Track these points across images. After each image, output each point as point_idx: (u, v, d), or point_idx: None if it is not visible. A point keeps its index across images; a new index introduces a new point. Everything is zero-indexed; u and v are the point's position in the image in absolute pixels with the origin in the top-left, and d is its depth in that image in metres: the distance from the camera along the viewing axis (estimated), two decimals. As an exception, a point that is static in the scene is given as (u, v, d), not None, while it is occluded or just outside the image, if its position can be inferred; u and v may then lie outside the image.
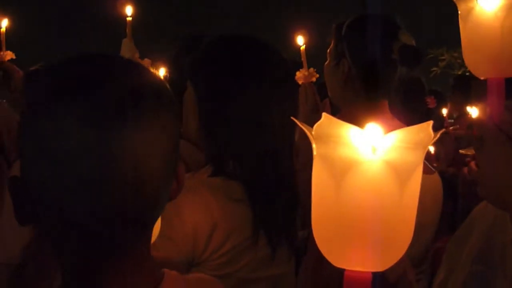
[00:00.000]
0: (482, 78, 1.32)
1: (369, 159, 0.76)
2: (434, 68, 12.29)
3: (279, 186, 1.77)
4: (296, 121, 0.81)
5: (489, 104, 1.30)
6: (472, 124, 3.34)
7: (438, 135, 0.78)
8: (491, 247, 1.48)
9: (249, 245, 1.72)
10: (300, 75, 2.72)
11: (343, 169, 0.76)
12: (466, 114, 4.19)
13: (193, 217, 1.66)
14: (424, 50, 2.23)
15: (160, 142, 0.96)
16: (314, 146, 0.80)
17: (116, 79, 0.95)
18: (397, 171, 0.76)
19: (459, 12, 1.34)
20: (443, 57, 12.50)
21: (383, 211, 0.77)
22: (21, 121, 0.96)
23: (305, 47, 2.82)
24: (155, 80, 0.99)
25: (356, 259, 0.79)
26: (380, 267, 0.80)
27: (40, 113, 0.92)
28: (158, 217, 1.04)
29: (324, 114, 0.76)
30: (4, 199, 2.46)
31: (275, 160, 1.76)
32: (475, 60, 1.34)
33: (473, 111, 3.80)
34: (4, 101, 3.29)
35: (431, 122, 0.76)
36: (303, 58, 2.78)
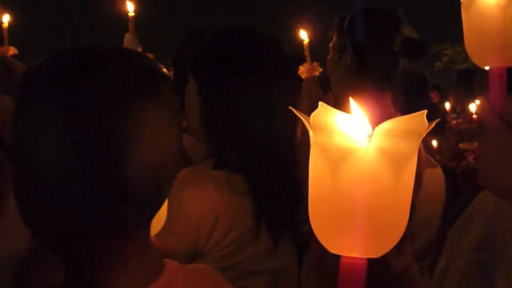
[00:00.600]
0: (484, 67, 1.33)
1: (364, 147, 0.77)
2: (437, 63, 12.27)
3: (281, 179, 1.78)
4: (293, 110, 0.83)
5: (491, 93, 1.30)
6: (475, 114, 3.35)
7: (433, 124, 0.80)
8: (492, 236, 1.49)
9: (251, 237, 1.74)
10: (303, 69, 2.73)
11: (339, 157, 0.78)
12: (468, 108, 4.19)
13: (196, 210, 1.67)
14: (426, 42, 2.22)
15: (171, 123, 0.98)
16: (311, 134, 0.81)
17: (121, 60, 0.98)
18: (392, 159, 0.78)
19: (461, 1, 1.35)
20: (446, 52, 12.47)
21: (378, 198, 0.78)
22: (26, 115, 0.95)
23: (308, 42, 2.83)
24: (156, 65, 1.01)
25: (352, 245, 0.80)
26: (375, 253, 0.82)
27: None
28: (163, 204, 1.05)
29: (320, 103, 0.77)
30: (8, 194, 2.47)
31: (278, 153, 1.77)
32: (477, 49, 1.34)
33: (475, 105, 3.81)
34: (7, 97, 3.30)
35: (425, 111, 0.77)
36: (306, 52, 2.79)
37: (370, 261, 0.83)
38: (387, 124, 0.77)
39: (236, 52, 1.80)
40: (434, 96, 4.19)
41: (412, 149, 0.80)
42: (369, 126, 0.77)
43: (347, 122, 0.77)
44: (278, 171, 1.77)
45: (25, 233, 2.40)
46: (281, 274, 1.84)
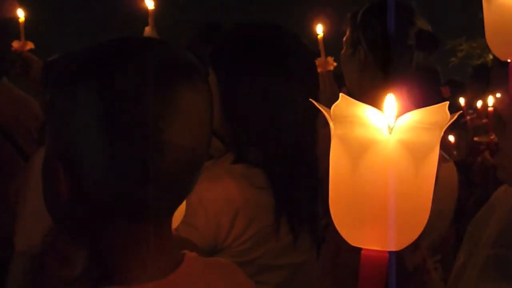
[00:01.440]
0: (504, 59, 1.31)
1: (385, 138, 0.77)
2: (452, 59, 12.21)
3: (302, 173, 1.77)
4: (314, 102, 0.83)
5: (510, 86, 1.29)
6: (491, 107, 3.33)
7: (455, 117, 0.79)
8: (511, 231, 1.48)
9: (271, 232, 1.73)
10: (317, 64, 2.72)
11: (359, 149, 0.77)
12: (485, 103, 4.16)
13: (215, 205, 1.67)
14: (441, 35, 2.21)
15: (204, 112, 1.01)
16: (331, 126, 0.81)
17: (159, 48, 1.02)
18: (413, 151, 0.77)
19: None
20: (461, 48, 12.41)
21: (399, 191, 0.78)
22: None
23: (322, 36, 2.82)
24: (193, 56, 1.04)
25: (373, 238, 0.80)
26: (396, 246, 0.81)
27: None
28: (188, 194, 1.06)
29: (341, 95, 0.77)
30: (24, 189, 2.48)
31: (298, 147, 1.76)
32: (498, 41, 1.33)
33: (493, 99, 3.78)
34: (23, 93, 3.31)
35: (447, 103, 0.77)
36: (321, 47, 2.78)
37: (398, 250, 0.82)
38: (408, 116, 0.76)
39: (257, 45, 1.80)
40: (445, 92, 4.17)
41: (434, 141, 0.80)
42: (390, 118, 0.77)
43: (368, 114, 0.77)
44: (298, 165, 1.76)
45: (41, 228, 2.43)
46: (300, 269, 1.84)
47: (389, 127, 0.76)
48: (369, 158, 0.77)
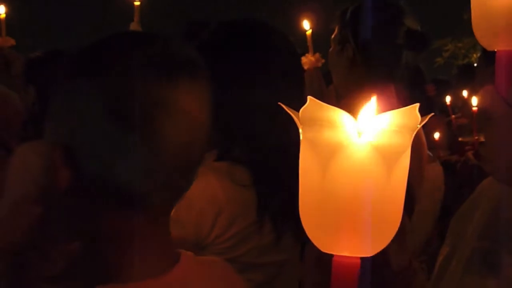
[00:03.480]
0: (490, 49, 1.30)
1: (355, 142, 0.75)
2: (438, 59, 12.24)
3: (286, 172, 1.76)
4: (282, 105, 0.81)
5: (497, 77, 1.28)
6: (476, 106, 3.33)
7: (427, 119, 0.77)
8: (497, 223, 1.47)
9: (254, 230, 1.72)
10: (306, 60, 2.71)
11: (328, 153, 0.76)
12: (470, 103, 4.16)
13: (198, 201, 1.65)
14: (430, 34, 2.21)
15: (203, 107, 1.04)
16: (300, 130, 0.79)
17: (161, 42, 1.04)
18: (384, 155, 0.75)
19: None
20: (446, 48, 12.44)
21: (370, 195, 0.76)
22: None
23: (311, 32, 2.81)
24: (195, 52, 1.11)
25: (344, 244, 0.78)
26: (368, 252, 0.79)
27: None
28: (186, 191, 1.08)
29: (309, 98, 0.75)
30: (4, 184, 2.46)
31: (282, 145, 1.75)
32: (485, 31, 1.31)
33: (477, 98, 3.78)
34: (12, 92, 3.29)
35: (417, 105, 0.75)
36: (309, 43, 2.77)
37: (372, 258, 0.80)
38: (378, 119, 0.75)
39: (241, 43, 1.79)
40: (430, 90, 4.17)
41: (405, 143, 0.78)
42: (360, 121, 0.75)
43: (338, 117, 0.75)
44: (282, 164, 1.75)
45: (19, 224, 2.39)
46: (283, 268, 1.83)
47: (358, 130, 0.74)
48: (338, 162, 0.75)
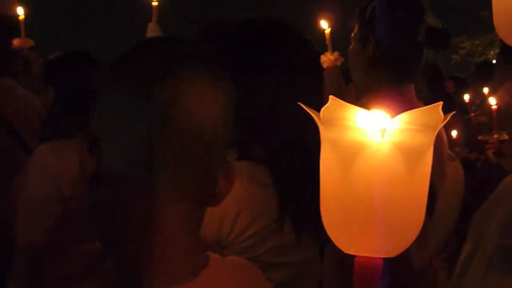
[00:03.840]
0: (511, 45, 1.28)
1: (378, 142, 0.74)
2: (454, 56, 12.15)
3: (306, 171, 1.76)
4: (301, 105, 0.80)
5: None
6: (495, 105, 3.30)
7: (449, 117, 0.76)
8: None
9: (274, 230, 1.72)
10: (325, 59, 2.69)
11: (351, 153, 0.75)
12: (488, 101, 4.13)
13: None
14: (451, 31, 2.18)
15: (224, 107, 1.09)
16: (321, 129, 0.79)
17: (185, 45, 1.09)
18: (406, 154, 0.74)
19: None
20: (463, 45, 12.35)
21: (393, 195, 0.75)
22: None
23: (330, 31, 2.79)
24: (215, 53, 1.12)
25: (366, 244, 0.77)
26: (391, 253, 0.78)
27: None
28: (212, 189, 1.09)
29: (331, 97, 0.74)
30: (24, 185, 2.48)
31: (302, 144, 1.75)
32: (506, 26, 1.29)
33: (495, 98, 3.76)
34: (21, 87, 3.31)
35: (440, 103, 0.74)
36: (328, 42, 2.76)
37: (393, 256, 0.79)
38: (400, 118, 0.74)
39: (263, 42, 1.79)
40: (449, 86, 4.14)
41: (427, 142, 0.77)
42: (382, 120, 0.74)
43: (359, 117, 0.74)
44: (303, 164, 1.75)
45: (39, 224, 2.41)
46: (302, 268, 1.83)
47: (381, 130, 0.73)
48: (361, 162, 0.74)
